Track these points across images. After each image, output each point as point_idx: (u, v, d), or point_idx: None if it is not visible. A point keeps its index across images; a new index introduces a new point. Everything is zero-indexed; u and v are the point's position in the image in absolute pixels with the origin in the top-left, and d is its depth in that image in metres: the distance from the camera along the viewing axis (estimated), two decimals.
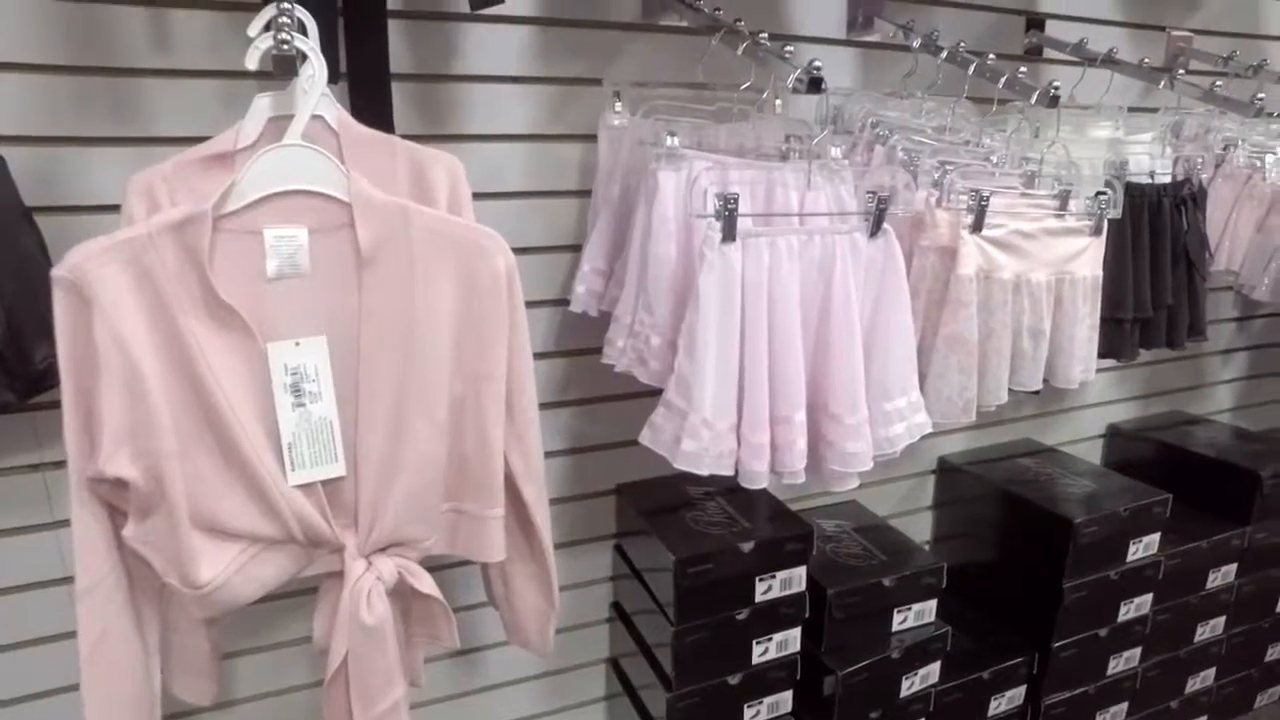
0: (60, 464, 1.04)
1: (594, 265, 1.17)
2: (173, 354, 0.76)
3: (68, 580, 1.08)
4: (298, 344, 0.81)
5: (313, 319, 0.82)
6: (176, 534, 0.77)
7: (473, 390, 0.86)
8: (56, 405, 0.75)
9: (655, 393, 1.03)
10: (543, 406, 0.95)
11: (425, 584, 0.89)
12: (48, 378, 0.91)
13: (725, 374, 0.98)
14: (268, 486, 0.79)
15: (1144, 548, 1.56)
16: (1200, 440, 1.84)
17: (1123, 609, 1.57)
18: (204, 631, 0.91)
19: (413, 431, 0.84)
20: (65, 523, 0.81)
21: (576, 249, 1.24)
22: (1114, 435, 1.94)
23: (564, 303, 1.24)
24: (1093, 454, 1.93)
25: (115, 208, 0.83)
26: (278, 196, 0.79)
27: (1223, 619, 1.74)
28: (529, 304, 0.90)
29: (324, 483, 0.83)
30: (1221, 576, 1.70)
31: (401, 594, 0.90)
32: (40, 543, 1.11)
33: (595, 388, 1.35)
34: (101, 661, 0.81)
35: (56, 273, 0.72)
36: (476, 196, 0.92)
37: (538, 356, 1.13)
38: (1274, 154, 1.55)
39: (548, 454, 1.16)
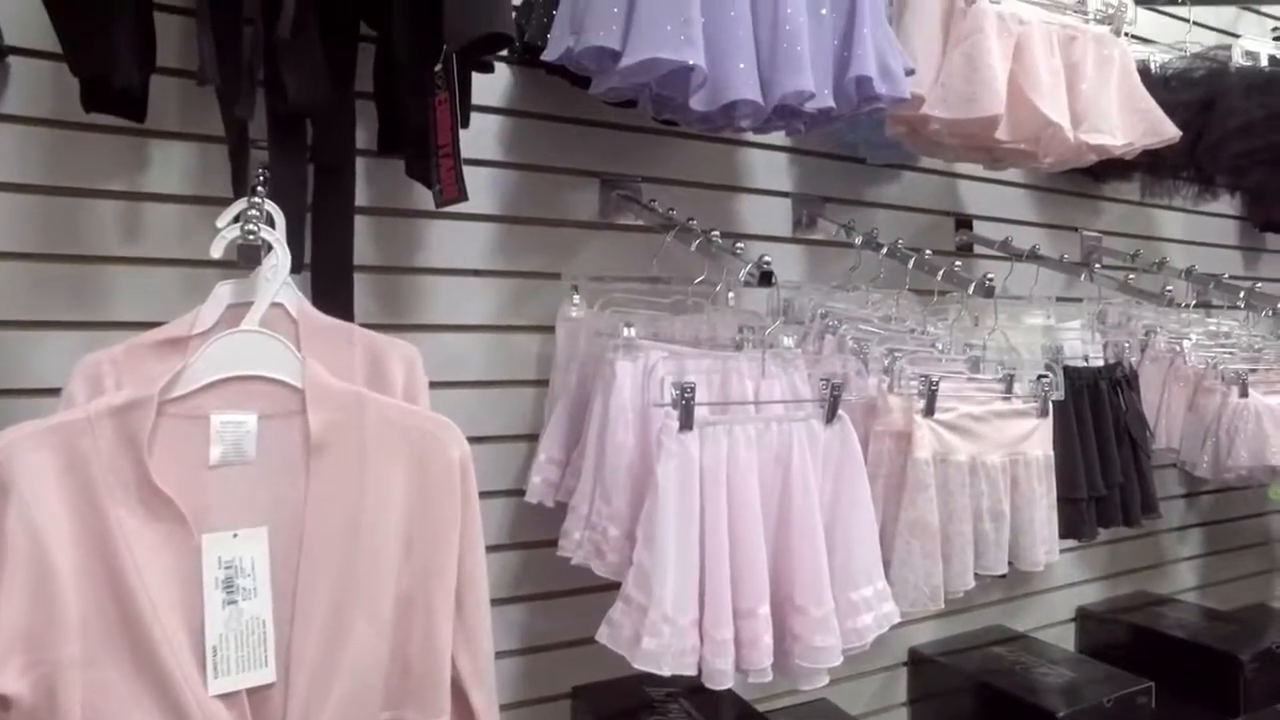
0: None
1: (550, 455, 1.16)
2: (94, 547, 0.70)
3: None
4: (235, 535, 0.77)
5: (254, 509, 0.78)
6: None
7: (421, 586, 0.81)
8: None
9: (613, 587, 0.99)
10: (494, 603, 0.89)
11: None
12: None
13: (686, 566, 0.95)
14: (183, 697, 0.71)
15: None
16: (1172, 622, 1.80)
17: None
18: None
19: (354, 630, 0.77)
20: None
21: (534, 438, 1.23)
22: (1084, 619, 1.89)
23: (520, 493, 1.21)
24: (1064, 638, 1.87)
25: (58, 391, 0.81)
26: (229, 381, 0.78)
27: None
28: (484, 494, 0.87)
29: (249, 691, 0.75)
30: None
31: None
32: None
33: (550, 582, 1.29)
34: None
35: None
36: (435, 385, 0.92)
37: (491, 549, 1.09)
38: (1189, 339, 1.67)
39: (498, 654, 1.08)
